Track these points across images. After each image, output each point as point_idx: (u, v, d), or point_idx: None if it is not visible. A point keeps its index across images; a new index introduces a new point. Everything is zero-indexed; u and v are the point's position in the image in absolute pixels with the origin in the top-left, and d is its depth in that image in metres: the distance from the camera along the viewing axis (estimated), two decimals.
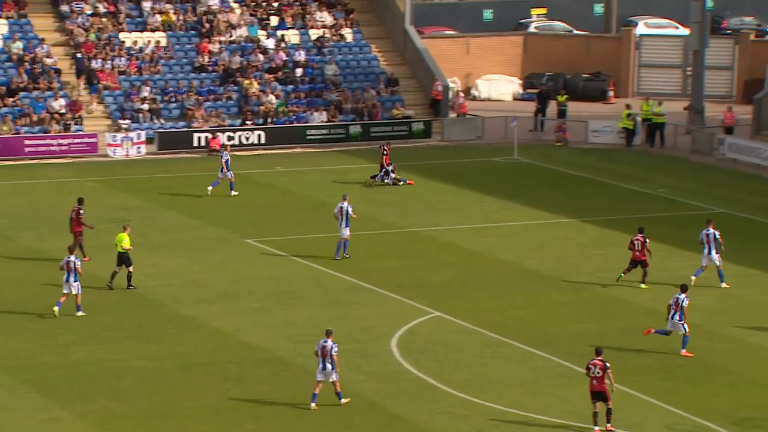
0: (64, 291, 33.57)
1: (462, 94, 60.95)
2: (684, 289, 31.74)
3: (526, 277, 37.52)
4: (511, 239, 41.52)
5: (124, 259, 35.40)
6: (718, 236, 36.08)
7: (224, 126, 54.86)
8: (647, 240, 36.31)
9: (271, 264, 38.59)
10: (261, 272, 37.76)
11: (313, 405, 27.88)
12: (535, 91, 62.96)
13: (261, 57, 58.29)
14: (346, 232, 38.53)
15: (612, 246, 40.55)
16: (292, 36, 60.00)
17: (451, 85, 60.95)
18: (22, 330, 32.64)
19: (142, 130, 53.86)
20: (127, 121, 54.25)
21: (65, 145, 52.60)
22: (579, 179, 50.34)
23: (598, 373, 26.58)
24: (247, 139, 54.63)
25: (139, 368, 30.29)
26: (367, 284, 36.63)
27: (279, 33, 59.72)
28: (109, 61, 56.19)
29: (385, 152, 48.43)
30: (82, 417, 27.42)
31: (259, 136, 54.78)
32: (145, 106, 54.62)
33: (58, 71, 55.34)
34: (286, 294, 35.83)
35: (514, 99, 65.58)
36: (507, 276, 37.62)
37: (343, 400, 28.03)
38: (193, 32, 59.08)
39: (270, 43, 59.02)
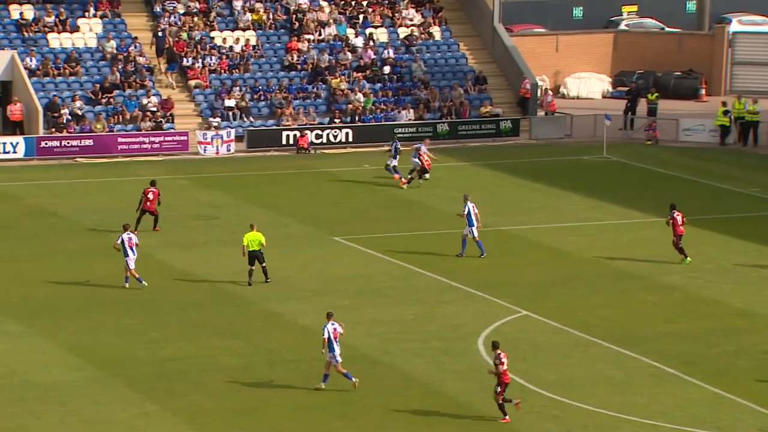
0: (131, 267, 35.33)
1: (551, 93, 60.53)
2: None
3: (615, 277, 37.14)
4: (600, 238, 41.12)
5: (258, 256, 35.78)
6: None
7: (313, 124, 55.11)
8: None
9: (359, 262, 38.65)
10: (349, 270, 37.83)
11: (323, 385, 28.41)
12: (626, 89, 62.33)
13: (349, 55, 58.44)
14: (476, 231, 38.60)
15: (704, 245, 39.96)
16: (381, 34, 60.07)
17: (540, 83, 60.57)
18: (115, 325, 33.09)
19: (232, 128, 54.34)
20: (218, 120, 54.77)
21: (157, 143, 53.21)
22: (670, 178, 49.68)
23: (506, 363, 27.31)
24: (335, 137, 54.80)
25: (227, 364, 30.52)
26: (454, 282, 36.53)
27: (367, 31, 59.83)
28: (200, 60, 56.76)
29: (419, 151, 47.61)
30: (174, 412, 27.71)
31: (347, 134, 54.93)
32: (232, 102, 55.02)
33: (150, 70, 56.03)
34: (374, 292, 35.86)
35: (604, 97, 64.96)
36: (596, 275, 37.27)
37: (354, 379, 28.49)
38: (282, 31, 59.44)
39: (359, 42, 59.15)
